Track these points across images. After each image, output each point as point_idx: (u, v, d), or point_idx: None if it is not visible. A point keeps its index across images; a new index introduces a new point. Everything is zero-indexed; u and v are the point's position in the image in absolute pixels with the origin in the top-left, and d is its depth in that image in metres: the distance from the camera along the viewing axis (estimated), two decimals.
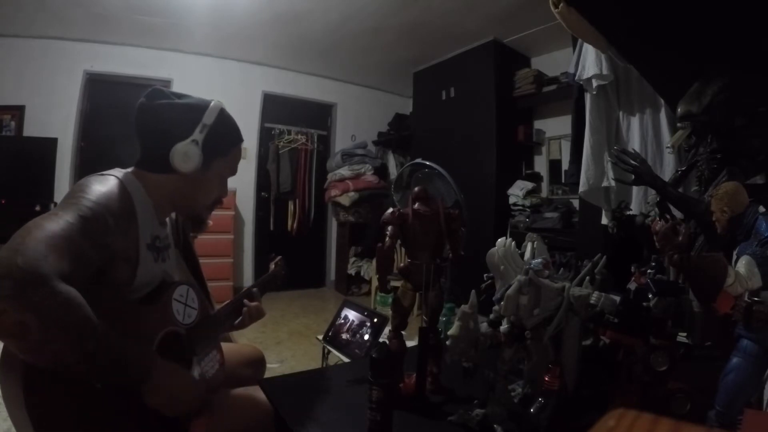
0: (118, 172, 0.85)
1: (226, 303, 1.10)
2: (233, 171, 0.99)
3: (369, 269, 4.41)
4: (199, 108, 0.88)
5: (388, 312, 1.26)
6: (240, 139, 0.98)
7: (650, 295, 0.95)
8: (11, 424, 0.70)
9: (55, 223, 0.65)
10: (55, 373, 0.64)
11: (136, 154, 0.91)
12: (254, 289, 1.16)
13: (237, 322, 1.11)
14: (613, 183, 2.20)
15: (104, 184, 0.78)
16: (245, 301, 1.12)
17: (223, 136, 0.92)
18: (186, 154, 0.85)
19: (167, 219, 0.98)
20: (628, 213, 1.69)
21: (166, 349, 0.82)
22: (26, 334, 0.55)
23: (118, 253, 0.77)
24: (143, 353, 0.71)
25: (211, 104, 0.89)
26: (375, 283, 3.86)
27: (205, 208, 0.98)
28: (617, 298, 0.92)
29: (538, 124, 3.75)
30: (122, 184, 0.82)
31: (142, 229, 0.83)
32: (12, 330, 0.55)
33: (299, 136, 4.73)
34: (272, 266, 1.32)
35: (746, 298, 0.77)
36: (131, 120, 0.89)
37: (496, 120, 3.47)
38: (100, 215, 0.71)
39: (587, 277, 0.92)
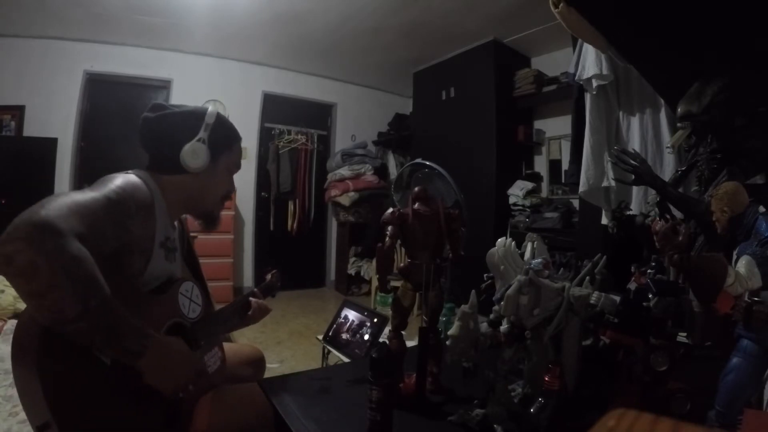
0: (137, 171, 0.90)
1: (228, 303, 1.13)
2: (238, 165, 1.05)
3: (369, 269, 4.41)
4: (199, 111, 0.95)
5: (388, 312, 1.26)
6: (239, 137, 1.05)
7: (650, 295, 0.95)
8: (11, 424, 0.70)
9: (81, 196, 0.70)
10: (70, 354, 0.67)
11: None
12: (256, 290, 1.23)
13: (246, 315, 1.17)
14: (613, 183, 2.20)
15: (129, 179, 0.84)
16: (251, 299, 1.18)
17: (225, 133, 0.99)
18: (195, 152, 0.92)
19: (175, 224, 1.01)
20: (628, 213, 1.69)
21: None
22: (35, 276, 0.58)
23: (135, 243, 0.81)
24: (142, 327, 0.72)
25: (210, 107, 0.97)
26: (375, 283, 3.86)
27: (217, 203, 1.04)
28: (617, 298, 0.92)
29: (538, 124, 3.74)
30: (143, 181, 0.86)
31: (159, 225, 0.87)
32: (23, 269, 0.58)
33: (299, 136, 4.73)
34: (268, 277, 1.35)
35: (746, 298, 0.77)
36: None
37: (496, 120, 3.47)
38: (124, 200, 0.77)
39: (587, 277, 0.92)
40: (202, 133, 0.92)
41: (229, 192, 1.05)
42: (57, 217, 0.62)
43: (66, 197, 0.67)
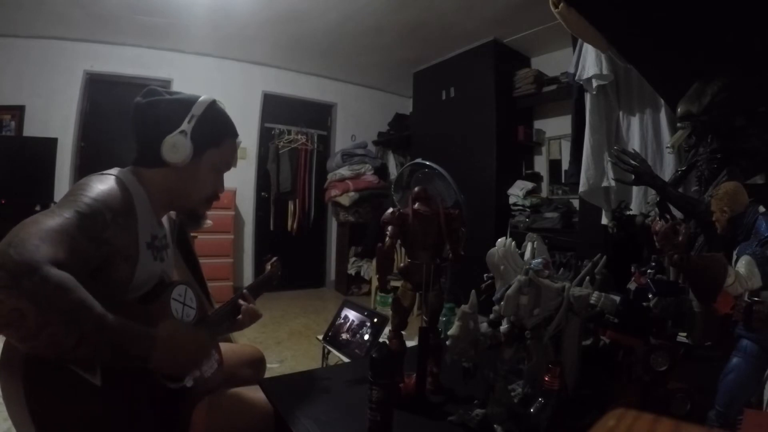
0: (117, 170, 0.86)
1: (221, 304, 1.10)
2: (228, 165, 0.98)
3: (369, 269, 4.41)
4: (188, 101, 0.89)
5: (388, 312, 1.26)
6: (234, 133, 0.98)
7: (650, 295, 0.95)
8: (11, 425, 0.70)
9: (51, 219, 0.66)
10: (56, 371, 0.64)
11: (134, 153, 0.92)
12: (245, 291, 1.16)
13: (234, 324, 1.11)
14: (613, 183, 2.20)
15: (104, 183, 0.79)
16: (240, 302, 1.13)
17: (214, 127, 0.92)
18: (174, 145, 0.85)
19: (166, 219, 0.98)
20: (628, 213, 1.69)
21: None
22: (23, 322, 0.56)
23: (118, 251, 0.77)
24: (142, 331, 0.71)
25: (201, 97, 0.90)
26: (375, 283, 3.86)
27: (201, 203, 0.97)
28: (617, 298, 0.92)
29: (538, 124, 3.74)
30: (122, 181, 0.82)
31: (142, 227, 0.84)
32: (8, 318, 0.55)
33: (299, 136, 4.73)
34: (268, 267, 1.33)
35: (746, 298, 0.77)
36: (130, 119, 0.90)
37: (496, 120, 3.47)
38: (98, 211, 0.72)
39: (587, 277, 0.92)
40: (186, 125, 0.86)
41: (215, 192, 0.98)
42: (28, 251, 0.58)
43: (34, 226, 0.63)
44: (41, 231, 0.62)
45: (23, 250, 0.58)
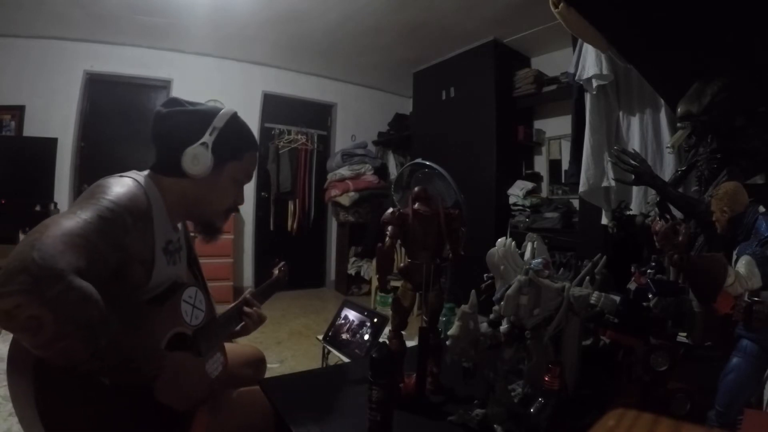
0: (136, 174, 0.86)
1: (229, 307, 1.11)
2: (249, 176, 0.98)
3: (369, 269, 4.41)
4: (210, 113, 0.89)
5: (388, 312, 1.26)
6: (255, 146, 0.99)
7: (650, 295, 0.95)
8: (11, 424, 0.70)
9: (73, 221, 0.65)
10: (65, 371, 0.64)
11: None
12: (248, 295, 1.17)
13: (239, 328, 1.13)
14: (613, 183, 2.20)
15: (123, 186, 0.79)
16: (244, 308, 1.13)
17: (235, 140, 0.92)
18: (195, 156, 0.85)
19: (178, 225, 0.98)
20: (628, 213, 1.70)
21: (172, 349, 0.82)
22: (39, 330, 0.55)
23: (135, 255, 0.77)
24: (154, 350, 0.71)
25: (223, 109, 0.90)
26: (375, 283, 3.86)
27: (219, 214, 0.97)
28: (617, 298, 0.92)
29: (538, 124, 3.74)
30: (141, 186, 0.82)
31: (158, 232, 0.84)
32: (25, 324, 0.55)
33: (299, 136, 4.73)
34: (276, 271, 1.32)
35: (746, 298, 0.77)
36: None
37: (496, 120, 3.46)
38: (119, 216, 0.72)
39: (587, 277, 0.92)
40: (207, 137, 0.86)
41: (235, 204, 0.98)
42: (53, 258, 0.57)
43: (56, 227, 0.62)
44: (64, 235, 0.61)
45: (47, 254, 0.57)
